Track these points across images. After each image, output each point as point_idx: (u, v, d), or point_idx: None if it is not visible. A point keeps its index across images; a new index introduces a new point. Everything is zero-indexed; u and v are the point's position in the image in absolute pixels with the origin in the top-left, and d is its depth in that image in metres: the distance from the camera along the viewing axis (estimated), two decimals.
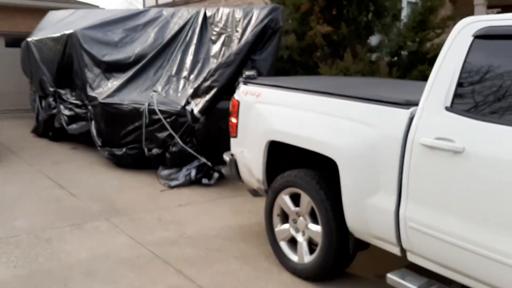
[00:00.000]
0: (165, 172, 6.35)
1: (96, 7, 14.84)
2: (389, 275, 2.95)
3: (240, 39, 6.04)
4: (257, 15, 6.00)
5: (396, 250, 3.01)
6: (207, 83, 5.97)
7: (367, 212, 3.07)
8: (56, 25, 9.73)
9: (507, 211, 2.35)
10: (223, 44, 6.41)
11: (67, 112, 8.34)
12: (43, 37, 9.24)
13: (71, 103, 8.29)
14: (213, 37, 6.65)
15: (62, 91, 8.58)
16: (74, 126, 8.22)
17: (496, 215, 2.40)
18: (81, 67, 7.85)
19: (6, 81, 12.69)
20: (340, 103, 3.29)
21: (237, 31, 6.22)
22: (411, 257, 2.93)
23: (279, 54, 7.93)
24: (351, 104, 3.22)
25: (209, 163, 6.11)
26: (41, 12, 12.02)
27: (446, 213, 2.62)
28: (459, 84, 2.66)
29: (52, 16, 10.73)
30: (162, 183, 6.16)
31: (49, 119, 8.95)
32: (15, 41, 13.25)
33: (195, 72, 6.50)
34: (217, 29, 6.61)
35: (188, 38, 6.89)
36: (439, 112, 2.70)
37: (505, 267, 2.36)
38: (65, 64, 8.41)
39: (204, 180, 6.12)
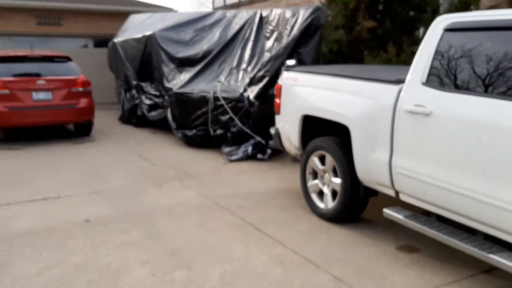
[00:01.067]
0: (227, 149, 7.58)
1: (171, 9, 16.47)
2: (385, 210, 3.95)
3: (288, 35, 7.14)
4: (302, 15, 7.07)
5: (391, 192, 3.99)
6: (260, 73, 7.12)
7: (370, 164, 4.07)
8: (137, 27, 11.27)
9: (462, 156, 3.27)
10: (275, 40, 7.54)
11: (147, 102, 9.82)
12: (127, 38, 10.80)
13: (150, 94, 9.76)
14: (267, 34, 7.80)
15: (143, 84, 10.08)
16: (153, 113, 9.69)
17: (455, 159, 3.32)
18: (159, 63, 9.28)
19: (94, 77, 14.52)
20: (351, 83, 4.31)
21: (286, 29, 7.32)
22: (402, 197, 3.90)
23: (329, 47, 8.94)
24: (359, 83, 4.23)
25: (263, 141, 7.25)
26: (122, 16, 13.69)
27: (422, 160, 3.58)
28: (432, 66, 3.60)
29: (133, 19, 12.31)
30: (224, 158, 7.40)
31: (132, 108, 10.52)
32: (101, 42, 15.17)
33: (252, 64, 7.67)
34: (270, 27, 7.75)
35: (246, 35, 8.09)
36: (417, 86, 3.65)
37: (462, 196, 3.27)
38: (146, 61, 9.89)
39: (259, 155, 7.28)
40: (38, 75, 8.40)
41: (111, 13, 15.29)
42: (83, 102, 8.75)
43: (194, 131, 8.09)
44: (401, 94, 3.77)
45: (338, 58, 9.10)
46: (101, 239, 4.23)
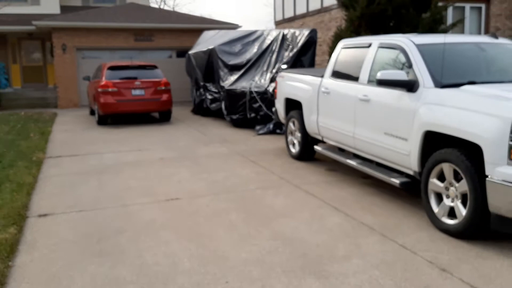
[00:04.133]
0: (257, 127, 10.98)
1: (236, 25, 20.17)
2: (315, 147, 7.16)
3: (294, 48, 10.42)
4: (304, 34, 10.33)
5: (320, 137, 7.17)
6: (276, 74, 10.45)
7: (310, 123, 7.27)
8: (205, 42, 15.02)
9: (344, 114, 6.40)
10: (289, 51, 10.85)
11: (209, 97, 13.49)
12: (198, 50, 14.58)
13: (212, 91, 13.40)
14: (285, 47, 11.13)
15: (207, 84, 13.77)
16: (213, 105, 13.33)
17: (340, 116, 6.45)
18: (217, 68, 12.90)
19: (176, 81, 18.56)
20: (304, 77, 7.56)
21: (294, 43, 10.61)
22: (324, 139, 7.08)
23: None
24: (307, 77, 7.46)
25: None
26: (198, 32, 17.52)
27: (328, 117, 6.74)
28: (334, 67, 6.77)
29: (205, 35, 16.08)
30: (255, 132, 10.81)
31: (200, 102, 14.26)
32: (182, 53, 19.19)
33: (275, 68, 11.02)
34: (287, 42, 11.07)
35: (273, 48, 11.46)
36: (327, 78, 6.84)
37: (344, 135, 6.41)
38: (209, 67, 13.57)
39: (277, 130, 10.59)
40: (135, 78, 12.38)
41: (190, 29, 19.24)
42: (164, 96, 12.61)
43: (237, 115, 11.59)
44: (321, 82, 6.97)
45: None
46: (168, 165, 7.84)
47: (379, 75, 5.14)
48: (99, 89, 12.08)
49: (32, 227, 4.91)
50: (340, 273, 3.74)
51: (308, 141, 7.58)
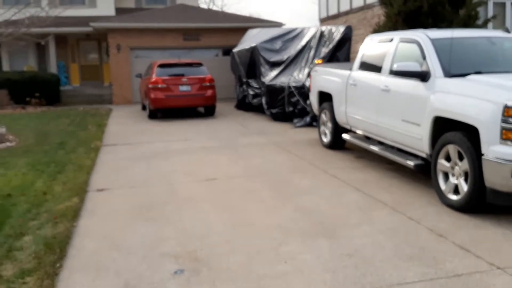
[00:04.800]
0: (295, 120, 11.59)
1: (280, 23, 20.79)
2: (343, 135, 7.72)
3: (331, 44, 10.95)
4: (340, 31, 10.84)
5: (348, 127, 7.72)
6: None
7: (339, 113, 7.84)
8: (249, 40, 15.74)
9: (369, 104, 6.94)
10: (326, 47, 11.39)
11: (251, 92, 14.21)
12: (241, 48, 15.34)
13: (254, 87, 14.12)
14: (322, 43, 11.68)
15: (250, 80, 14.50)
16: (255, 100, 14.04)
17: (366, 106, 6.99)
18: (259, 65, 13.60)
19: (222, 78, 19.40)
20: (335, 71, 8.12)
21: (331, 40, 11.14)
22: (353, 129, 7.62)
23: None
24: (337, 71, 8.02)
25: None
26: (243, 30, 18.14)
27: (355, 107, 7.29)
28: (361, 61, 7.31)
29: (249, 33, 16.80)
30: (292, 126, 11.43)
31: (243, 98, 15.02)
32: (228, 51, 20.01)
33: (312, 64, 11.59)
34: (324, 39, 11.61)
35: (311, 45, 12.04)
36: (355, 71, 7.38)
37: (371, 124, 6.95)
38: (251, 64, 14.29)
39: (314, 123, 11.16)
40: (182, 75, 13.30)
41: (235, 28, 19.99)
42: (209, 92, 13.46)
43: (276, 109, 12.25)
44: (350, 75, 7.52)
45: None
46: (209, 152, 8.62)
47: (395, 66, 5.67)
48: (150, 86, 13.08)
49: (92, 199, 5.79)
50: (348, 236, 4.34)
51: (338, 131, 8.14)
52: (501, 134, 4.24)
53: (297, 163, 7.51)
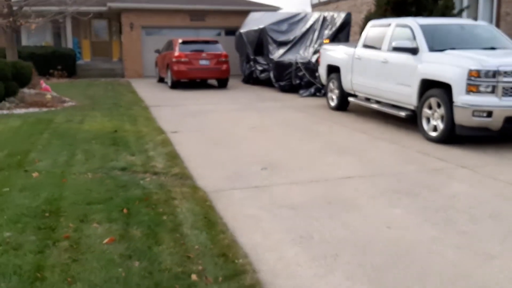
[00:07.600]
0: (301, 91, 13.78)
1: (278, 8, 22.80)
2: (349, 98, 9.96)
3: (333, 27, 13.13)
4: (341, 16, 13.02)
5: (353, 92, 9.94)
6: (319, 48, 13.19)
7: (346, 81, 10.04)
8: (253, 22, 17.73)
9: (371, 73, 9.14)
10: (328, 30, 13.56)
11: (259, 68, 16.30)
12: (248, 29, 17.34)
13: (261, 63, 16.19)
14: (325, 27, 13.83)
15: (257, 57, 16.57)
16: (262, 75, 16.14)
17: (369, 74, 9.20)
18: (266, 44, 15.68)
19: None
20: (342, 48, 10.31)
21: (333, 24, 13.31)
22: (356, 93, 9.85)
23: None
24: (344, 47, 10.21)
25: (320, 86, 13.31)
26: (244, 13, 20.05)
27: (360, 76, 9.50)
28: (365, 40, 9.50)
29: (252, 16, 18.74)
30: (299, 95, 13.61)
31: (250, 73, 17.09)
32: (229, 31, 21.96)
33: (317, 43, 13.74)
34: (327, 23, 13.77)
35: (315, 27, 14.19)
36: (360, 48, 9.58)
37: (373, 88, 9.17)
38: (259, 43, 16.34)
39: (317, 94, 13.37)
40: (202, 50, 15.31)
41: (237, 11, 21.93)
42: (224, 66, 15.51)
43: (284, 82, 14.39)
44: (355, 51, 9.71)
45: None
46: (238, 111, 10.72)
47: (394, 43, 7.89)
48: (173, 59, 15.07)
49: (171, 136, 7.88)
50: (364, 154, 6.59)
51: (344, 96, 10.35)
52: (467, 88, 6.50)
53: (312, 118, 9.71)
